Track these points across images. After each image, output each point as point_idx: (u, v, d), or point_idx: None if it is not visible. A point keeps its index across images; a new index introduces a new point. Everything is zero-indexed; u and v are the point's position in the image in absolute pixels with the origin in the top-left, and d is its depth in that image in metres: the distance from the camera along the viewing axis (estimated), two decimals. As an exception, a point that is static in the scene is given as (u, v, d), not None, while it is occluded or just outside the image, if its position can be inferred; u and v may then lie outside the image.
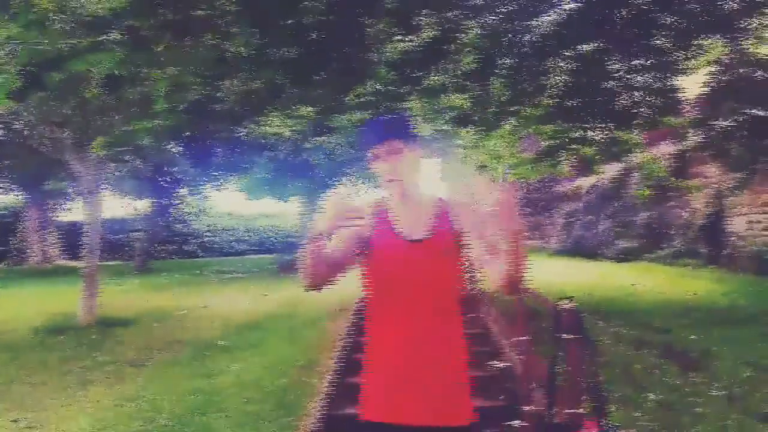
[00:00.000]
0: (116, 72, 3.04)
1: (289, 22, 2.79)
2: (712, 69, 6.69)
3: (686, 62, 6.59)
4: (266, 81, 3.97)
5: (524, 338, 3.52)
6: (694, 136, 8.28)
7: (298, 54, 3.57)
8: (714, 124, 6.82)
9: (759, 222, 8.64)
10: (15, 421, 4.79)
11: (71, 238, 22.81)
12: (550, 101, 6.95)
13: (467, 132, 8.71)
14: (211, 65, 2.91)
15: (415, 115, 8.34)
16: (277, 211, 27.81)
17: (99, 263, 8.63)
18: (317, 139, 5.86)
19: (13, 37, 2.63)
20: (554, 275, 9.92)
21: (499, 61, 6.24)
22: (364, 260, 1.61)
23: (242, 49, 2.99)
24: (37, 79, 2.61)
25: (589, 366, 2.10)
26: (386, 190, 1.60)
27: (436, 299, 1.54)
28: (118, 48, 2.78)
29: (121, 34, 2.72)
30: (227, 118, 4.11)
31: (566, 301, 2.34)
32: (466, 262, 1.62)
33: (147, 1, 2.68)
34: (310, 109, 5.18)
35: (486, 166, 12.08)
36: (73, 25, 2.74)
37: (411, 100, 6.78)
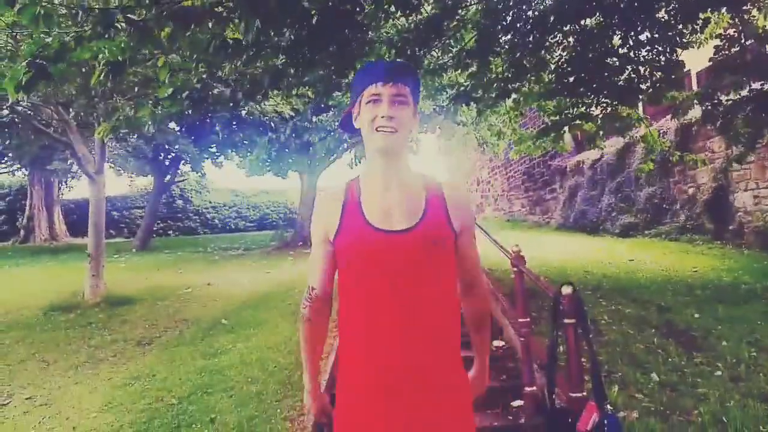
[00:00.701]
0: (119, 58, 3.03)
1: (289, 5, 2.75)
2: (718, 42, 6.55)
3: (691, 36, 6.48)
4: (267, 65, 3.95)
5: (525, 320, 3.56)
6: (698, 110, 8.18)
7: (297, 37, 3.53)
8: (719, 99, 6.71)
9: (766, 197, 8.61)
10: (30, 398, 4.92)
11: (76, 215, 23.01)
12: (552, 77, 6.87)
13: (469, 109, 8.65)
14: (213, 52, 2.89)
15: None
16: (278, 188, 27.94)
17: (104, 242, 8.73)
18: (317, 117, 5.83)
19: (19, 24, 2.62)
20: (556, 252, 9.97)
21: (500, 38, 6.14)
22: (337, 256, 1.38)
23: (244, 35, 2.96)
24: (44, 71, 2.60)
25: (589, 350, 2.13)
26: (370, 143, 1.31)
27: (422, 308, 1.27)
28: (122, 35, 2.77)
29: (125, 23, 2.71)
30: (228, 102, 4.09)
31: (567, 286, 2.35)
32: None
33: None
34: (310, 90, 5.16)
35: (487, 143, 12.04)
36: (80, 17, 2.72)
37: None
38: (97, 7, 2.75)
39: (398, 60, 1.48)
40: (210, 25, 2.91)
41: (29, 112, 8.83)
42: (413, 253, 1.25)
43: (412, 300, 1.25)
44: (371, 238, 1.27)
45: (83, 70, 6.20)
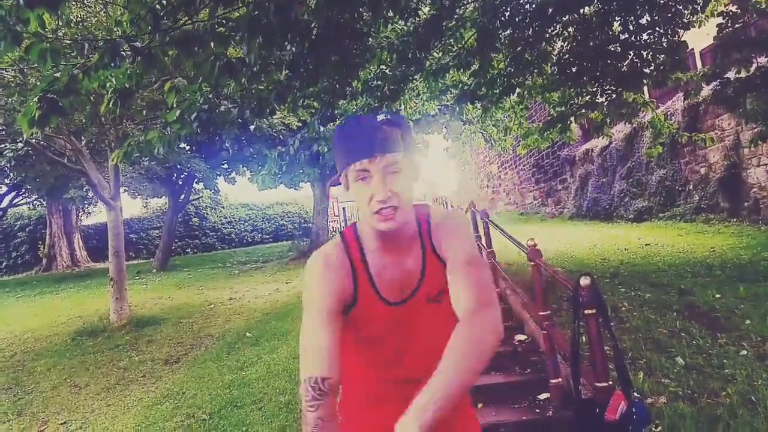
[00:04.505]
0: (126, 85, 3.12)
1: (289, 22, 2.82)
2: (720, 20, 6.50)
3: (691, 16, 6.45)
4: (271, 81, 4.03)
5: (545, 312, 3.57)
6: (705, 89, 8.12)
7: (299, 51, 3.61)
8: (725, 77, 6.66)
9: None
10: (64, 423, 5.04)
11: (95, 240, 23.40)
12: (554, 68, 6.87)
13: (474, 108, 8.67)
14: (218, 73, 2.97)
15: (420, 94, 8.33)
16: (291, 198, 28.16)
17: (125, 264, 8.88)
18: (324, 127, 5.91)
19: (26, 58, 2.72)
20: (571, 241, 9.93)
21: (500, 33, 6.17)
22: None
23: (246, 54, 3.04)
24: (55, 105, 2.70)
25: (612, 339, 2.15)
26: (370, 223, 1.13)
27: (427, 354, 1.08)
28: (127, 63, 2.86)
29: (130, 51, 2.79)
30: (236, 120, 4.18)
31: (585, 277, 2.37)
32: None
33: (151, 16, 2.73)
34: (316, 103, 5.24)
35: (495, 140, 12.03)
36: (86, 49, 2.82)
37: (415, 81, 6.76)
38: (101, 37, 2.84)
39: (379, 119, 1.09)
40: (212, 45, 3.00)
41: (43, 143, 9.03)
42: (417, 313, 1.21)
43: (416, 351, 1.21)
44: (385, 313, 1.20)
45: (92, 98, 6.35)
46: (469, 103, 7.35)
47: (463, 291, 1.09)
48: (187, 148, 14.47)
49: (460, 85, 7.41)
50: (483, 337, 1.01)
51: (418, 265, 1.20)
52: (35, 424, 5.09)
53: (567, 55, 6.57)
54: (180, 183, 18.00)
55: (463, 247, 1.18)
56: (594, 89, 6.99)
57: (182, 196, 18.54)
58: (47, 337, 8.37)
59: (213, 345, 6.86)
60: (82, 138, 9.24)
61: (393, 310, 1.19)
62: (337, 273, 1.17)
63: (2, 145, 10.35)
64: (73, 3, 6.60)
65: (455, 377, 0.93)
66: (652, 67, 6.59)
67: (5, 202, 19.81)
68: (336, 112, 6.26)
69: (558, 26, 6.39)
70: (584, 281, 2.34)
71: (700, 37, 8.86)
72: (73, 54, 3.92)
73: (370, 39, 5.18)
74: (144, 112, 8.17)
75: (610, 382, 2.39)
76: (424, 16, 5.83)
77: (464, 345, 0.99)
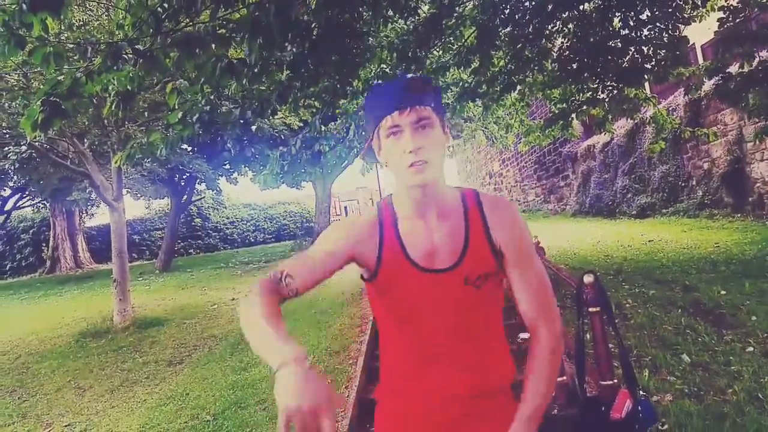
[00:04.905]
0: (129, 88, 3.13)
1: (290, 22, 2.82)
2: (721, 15, 6.47)
3: (692, 10, 6.44)
4: (272, 81, 4.05)
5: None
6: (707, 84, 8.08)
7: (300, 51, 3.61)
8: (727, 72, 6.63)
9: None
10: (68, 425, 5.04)
11: (98, 241, 23.48)
12: (555, 65, 6.86)
13: (475, 105, 8.67)
14: (220, 74, 2.98)
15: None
16: (293, 198, 28.23)
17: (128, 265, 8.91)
18: (326, 127, 5.92)
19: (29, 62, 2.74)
20: (574, 238, 9.90)
21: (500, 31, 6.16)
22: (371, 292, 1.26)
23: (248, 55, 3.04)
24: (57, 108, 2.70)
25: (616, 336, 2.14)
26: (403, 181, 1.14)
27: (477, 350, 1.22)
28: (129, 66, 2.87)
29: (132, 54, 2.80)
30: (238, 121, 4.19)
31: (588, 275, 2.36)
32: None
33: (153, 19, 2.74)
34: (317, 103, 5.25)
35: (496, 137, 12.02)
36: (88, 53, 2.84)
37: (416, 79, 6.77)
38: (103, 41, 2.85)
39: (410, 76, 1.18)
40: (213, 47, 3.00)
41: (46, 146, 9.07)
42: (458, 291, 1.16)
43: (460, 335, 1.21)
44: (415, 279, 1.17)
45: (94, 101, 6.37)
46: (470, 101, 7.35)
47: (539, 315, 1.23)
48: (189, 149, 14.50)
49: (461, 83, 7.41)
50: (559, 362, 1.26)
51: (458, 241, 1.17)
52: (40, 427, 5.09)
53: (567, 52, 6.56)
54: (182, 184, 18.04)
55: (527, 245, 1.24)
56: (595, 85, 6.99)
57: (185, 197, 18.57)
58: (51, 339, 8.38)
59: (216, 346, 6.86)
60: (85, 140, 9.28)
61: (425, 278, 1.16)
62: (359, 229, 1.21)
63: (6, 148, 10.40)
64: (76, 7, 6.63)
65: (547, 398, 1.22)
66: (653, 63, 6.57)
67: (9, 205, 19.89)
68: (337, 111, 6.26)
69: (558, 23, 6.39)
70: (588, 279, 2.33)
71: (701, 32, 8.83)
72: (75, 57, 3.93)
73: (370, 38, 5.18)
74: (146, 113, 8.21)
75: (615, 380, 2.38)
76: (424, 14, 5.83)
77: (553, 373, 1.22)
